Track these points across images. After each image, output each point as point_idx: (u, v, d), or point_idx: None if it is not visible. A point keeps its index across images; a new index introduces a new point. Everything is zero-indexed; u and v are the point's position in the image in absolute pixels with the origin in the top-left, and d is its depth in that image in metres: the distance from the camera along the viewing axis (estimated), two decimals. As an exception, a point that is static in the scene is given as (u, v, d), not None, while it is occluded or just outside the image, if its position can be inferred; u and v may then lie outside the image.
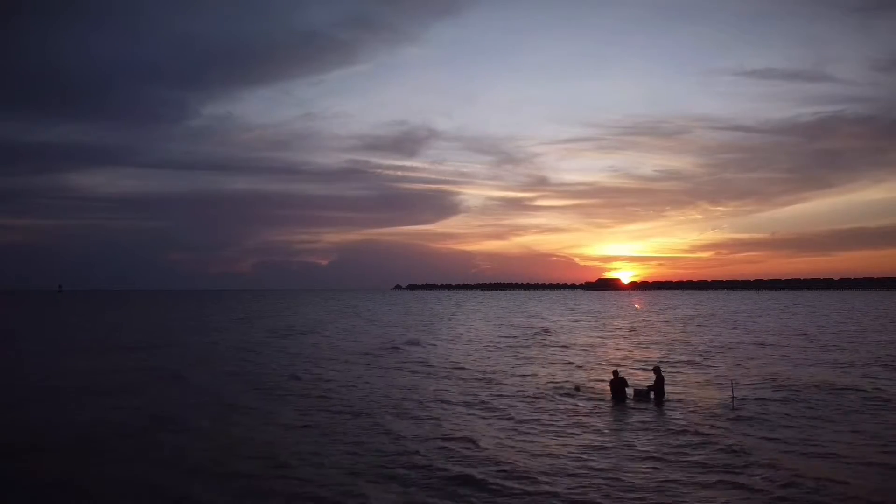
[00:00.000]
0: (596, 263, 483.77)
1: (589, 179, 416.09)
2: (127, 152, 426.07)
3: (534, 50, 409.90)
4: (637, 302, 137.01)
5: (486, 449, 14.46)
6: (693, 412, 18.37)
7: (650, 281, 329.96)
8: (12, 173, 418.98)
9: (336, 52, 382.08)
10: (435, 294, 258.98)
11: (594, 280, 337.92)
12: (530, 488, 11.77)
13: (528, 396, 21.35)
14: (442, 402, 20.57)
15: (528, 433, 16.18)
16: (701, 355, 32.42)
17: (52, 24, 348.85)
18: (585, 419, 17.86)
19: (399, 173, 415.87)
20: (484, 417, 18.18)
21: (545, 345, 39.78)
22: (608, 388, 21.08)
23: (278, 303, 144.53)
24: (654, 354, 32.81)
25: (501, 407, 19.59)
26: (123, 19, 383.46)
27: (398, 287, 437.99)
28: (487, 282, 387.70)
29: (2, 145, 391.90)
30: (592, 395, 21.26)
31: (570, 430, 16.49)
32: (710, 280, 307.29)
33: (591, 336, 46.06)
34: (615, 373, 21.13)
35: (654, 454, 14.04)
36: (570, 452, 14.32)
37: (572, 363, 30.02)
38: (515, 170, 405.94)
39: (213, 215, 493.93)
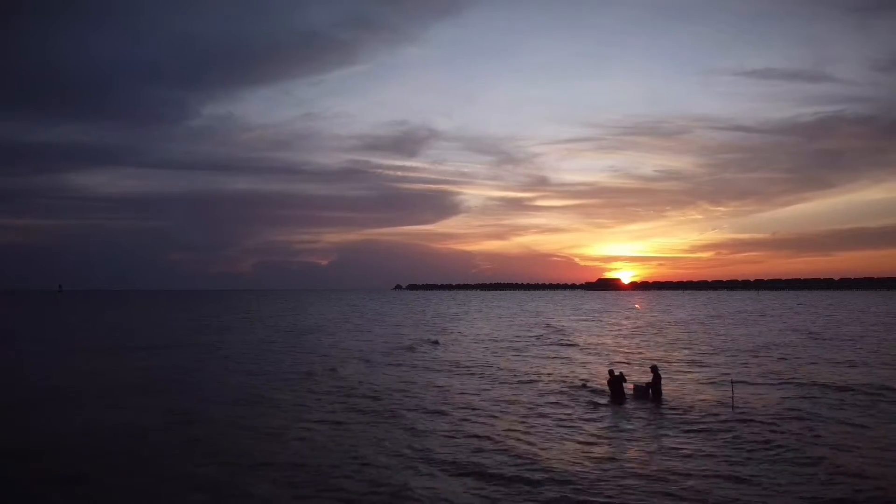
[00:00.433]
0: (596, 263, 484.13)
1: (589, 179, 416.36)
2: (127, 152, 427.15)
3: (534, 50, 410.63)
4: (637, 302, 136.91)
5: (545, 452, 14.26)
6: (692, 410, 18.53)
7: (650, 281, 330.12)
8: (12, 173, 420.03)
9: (336, 52, 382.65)
10: (436, 294, 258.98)
11: (594, 280, 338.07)
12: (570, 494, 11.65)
13: (570, 396, 21.29)
14: (490, 401, 20.46)
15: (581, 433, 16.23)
16: (736, 353, 32.46)
17: (52, 24, 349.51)
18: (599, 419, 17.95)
19: (399, 173, 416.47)
20: (530, 417, 18.08)
21: (563, 344, 39.74)
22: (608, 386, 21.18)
23: (281, 303, 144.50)
24: (678, 355, 32.39)
25: (542, 405, 19.68)
26: (123, 19, 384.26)
27: (398, 287, 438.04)
28: (488, 282, 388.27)
29: (2, 145, 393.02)
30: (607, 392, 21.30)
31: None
32: (710, 280, 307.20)
33: (612, 337, 45.25)
34: (611, 372, 21.34)
35: (653, 451, 14.23)
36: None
37: (601, 363, 29.68)
38: (515, 170, 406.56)
39: (213, 215, 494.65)
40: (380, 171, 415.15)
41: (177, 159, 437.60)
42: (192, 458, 13.95)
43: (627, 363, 29.12)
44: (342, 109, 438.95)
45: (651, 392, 20.32)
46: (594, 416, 18.24)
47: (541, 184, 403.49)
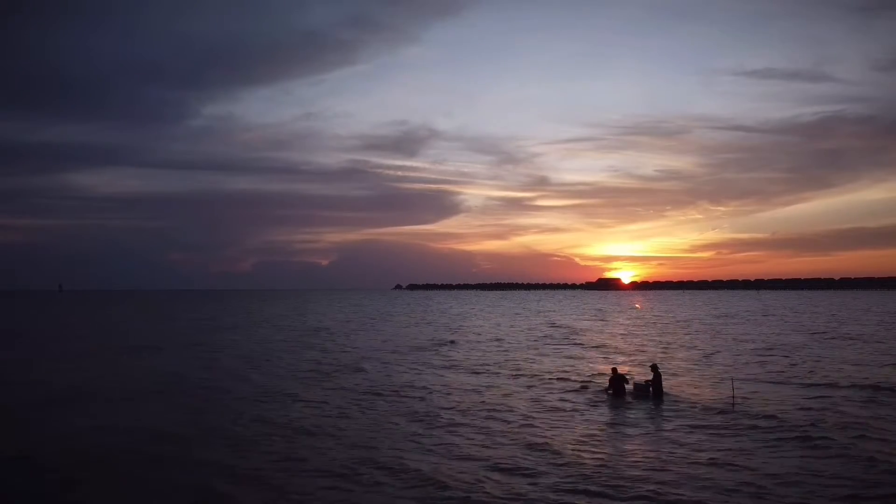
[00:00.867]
0: (596, 263, 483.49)
1: (589, 179, 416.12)
2: (127, 152, 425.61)
3: (534, 50, 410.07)
4: (638, 302, 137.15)
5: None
6: (692, 409, 18.85)
7: (650, 281, 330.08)
8: (12, 173, 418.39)
9: (337, 52, 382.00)
10: (437, 294, 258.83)
11: (595, 280, 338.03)
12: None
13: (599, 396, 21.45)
14: (527, 401, 20.50)
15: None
16: (740, 352, 32.67)
17: (52, 24, 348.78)
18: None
19: (399, 173, 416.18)
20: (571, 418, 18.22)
21: (576, 343, 39.92)
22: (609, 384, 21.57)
23: (284, 303, 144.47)
24: (688, 354, 32.49)
25: (581, 406, 19.90)
26: (123, 19, 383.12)
27: (398, 287, 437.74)
28: (488, 282, 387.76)
29: (2, 145, 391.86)
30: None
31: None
32: (710, 280, 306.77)
33: (623, 337, 45.09)
34: (614, 370, 21.70)
35: (652, 449, 14.52)
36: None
37: (620, 361, 29.82)
38: (516, 170, 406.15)
39: (213, 215, 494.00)
40: (380, 170, 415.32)
41: (177, 159, 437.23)
42: (232, 456, 14.26)
43: (643, 363, 29.13)
44: (342, 109, 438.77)
45: (651, 390, 20.68)
46: (594, 413, 18.69)
47: (541, 184, 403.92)
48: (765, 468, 12.81)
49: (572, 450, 14.44)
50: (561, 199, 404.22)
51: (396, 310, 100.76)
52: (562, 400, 20.78)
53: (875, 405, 19.12)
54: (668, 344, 38.95)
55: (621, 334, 47.37)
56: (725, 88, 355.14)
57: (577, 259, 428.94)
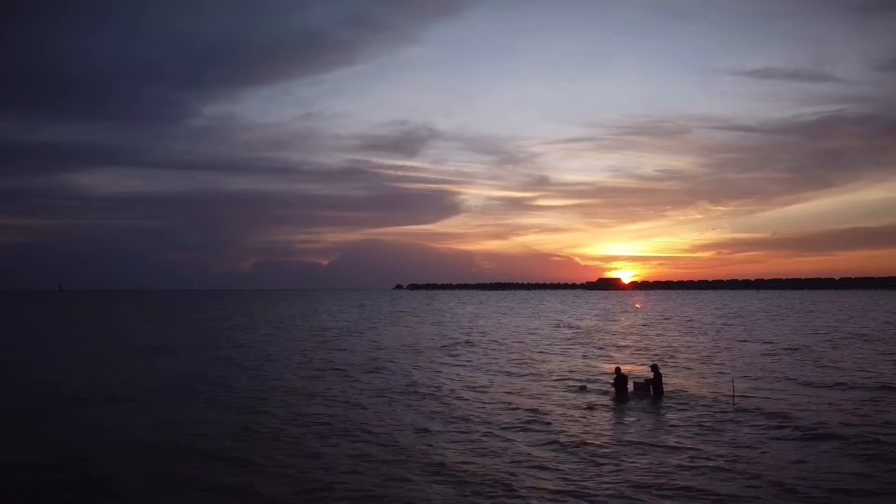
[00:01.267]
0: (596, 263, 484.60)
1: (589, 179, 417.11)
2: (128, 152, 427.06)
3: (534, 50, 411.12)
4: (638, 302, 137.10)
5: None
6: (692, 408, 18.95)
7: (651, 280, 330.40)
8: (12, 173, 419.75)
9: (337, 52, 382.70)
10: (439, 294, 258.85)
11: (595, 280, 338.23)
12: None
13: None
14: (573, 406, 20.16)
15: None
16: (743, 352, 32.65)
17: (53, 24, 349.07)
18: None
19: (400, 173, 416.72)
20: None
21: (594, 344, 39.74)
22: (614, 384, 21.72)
23: (288, 303, 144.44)
24: (723, 357, 31.26)
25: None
26: (124, 19, 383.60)
27: (399, 287, 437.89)
28: (488, 281, 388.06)
29: (2, 145, 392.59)
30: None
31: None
32: (710, 280, 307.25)
33: (638, 337, 44.88)
34: (617, 369, 21.90)
35: (650, 447, 14.65)
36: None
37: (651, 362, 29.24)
38: (516, 170, 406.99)
39: (213, 215, 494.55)
40: (380, 170, 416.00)
41: (177, 159, 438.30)
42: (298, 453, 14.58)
43: (679, 366, 28.63)
44: (342, 109, 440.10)
45: (652, 389, 20.91)
46: (596, 413, 18.78)
47: (541, 183, 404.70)
48: (764, 467, 12.87)
49: (580, 448, 14.70)
50: (561, 199, 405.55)
51: (403, 309, 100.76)
52: (565, 400, 20.84)
53: (883, 403, 19.31)
54: (691, 344, 38.79)
55: (643, 335, 46.98)
56: (725, 88, 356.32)
57: (577, 259, 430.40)
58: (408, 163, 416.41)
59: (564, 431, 16.29)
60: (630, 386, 21.35)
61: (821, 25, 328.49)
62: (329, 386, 24.11)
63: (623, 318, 70.29)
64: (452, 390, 22.96)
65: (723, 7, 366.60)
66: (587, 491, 11.69)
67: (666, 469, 12.87)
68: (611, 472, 12.82)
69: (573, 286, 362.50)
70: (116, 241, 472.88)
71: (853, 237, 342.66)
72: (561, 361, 30.88)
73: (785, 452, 13.98)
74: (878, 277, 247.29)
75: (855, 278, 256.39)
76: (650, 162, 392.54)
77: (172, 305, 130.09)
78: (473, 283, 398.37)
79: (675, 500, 11.14)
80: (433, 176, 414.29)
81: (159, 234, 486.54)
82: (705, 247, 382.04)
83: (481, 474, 12.68)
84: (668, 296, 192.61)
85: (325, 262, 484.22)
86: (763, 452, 14.02)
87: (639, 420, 17.73)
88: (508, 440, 15.57)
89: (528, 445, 15.02)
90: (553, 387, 23.46)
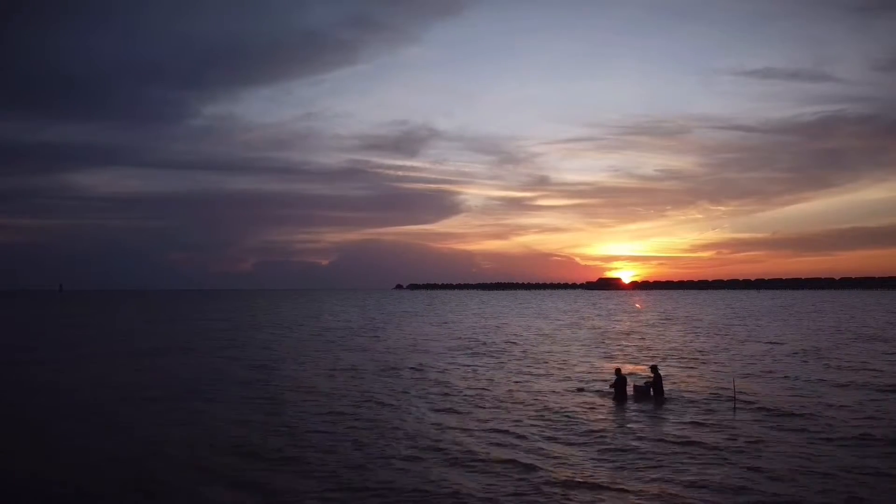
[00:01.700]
0: (597, 263, 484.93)
1: (589, 179, 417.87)
2: (128, 152, 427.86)
3: (534, 50, 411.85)
4: (638, 302, 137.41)
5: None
6: (692, 409, 19.00)
7: (651, 280, 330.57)
8: (12, 173, 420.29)
9: (337, 52, 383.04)
10: (440, 294, 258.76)
11: (595, 280, 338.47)
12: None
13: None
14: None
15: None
16: (744, 352, 32.88)
17: (53, 23, 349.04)
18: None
19: (400, 173, 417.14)
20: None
21: (616, 345, 39.13)
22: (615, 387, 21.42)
23: (292, 302, 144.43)
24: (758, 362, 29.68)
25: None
26: (124, 19, 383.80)
27: (399, 287, 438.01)
28: (488, 281, 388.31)
29: (2, 145, 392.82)
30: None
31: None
32: (710, 280, 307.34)
33: (659, 339, 43.44)
34: (618, 371, 21.67)
35: (648, 449, 14.62)
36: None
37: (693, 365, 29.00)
38: (516, 169, 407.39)
39: (213, 215, 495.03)
40: (380, 170, 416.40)
41: (177, 159, 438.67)
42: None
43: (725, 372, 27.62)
44: (343, 109, 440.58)
45: (652, 391, 20.74)
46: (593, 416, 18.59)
47: (541, 183, 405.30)
48: (762, 468, 13.01)
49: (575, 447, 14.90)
50: (561, 199, 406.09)
51: (407, 310, 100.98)
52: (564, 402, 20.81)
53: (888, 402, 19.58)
54: (704, 345, 38.53)
55: (660, 337, 46.70)
56: (725, 88, 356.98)
57: (577, 259, 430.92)
58: (408, 163, 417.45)
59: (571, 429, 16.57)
60: (630, 389, 21.08)
61: (821, 25, 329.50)
62: (353, 385, 24.39)
63: (628, 318, 70.56)
64: (490, 391, 22.77)
65: (723, 7, 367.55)
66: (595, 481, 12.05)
67: (663, 470, 12.98)
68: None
69: (573, 286, 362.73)
70: (116, 241, 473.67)
71: (853, 237, 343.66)
72: (592, 363, 30.23)
73: (785, 451, 14.13)
74: (879, 277, 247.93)
75: (855, 278, 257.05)
76: (650, 162, 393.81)
77: (175, 306, 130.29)
78: (473, 283, 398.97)
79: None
80: (433, 176, 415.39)
81: (159, 234, 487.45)
82: (705, 247, 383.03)
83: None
84: (668, 296, 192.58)
85: (325, 262, 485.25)
86: (760, 451, 14.20)
87: (637, 421, 17.66)
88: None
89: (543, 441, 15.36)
90: (569, 389, 23.41)
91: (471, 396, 21.74)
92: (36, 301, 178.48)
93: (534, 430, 16.63)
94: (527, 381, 24.97)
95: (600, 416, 18.30)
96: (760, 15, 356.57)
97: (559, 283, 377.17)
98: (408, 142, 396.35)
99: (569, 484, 12.16)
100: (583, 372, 27.35)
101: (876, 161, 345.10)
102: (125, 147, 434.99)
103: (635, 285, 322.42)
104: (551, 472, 12.94)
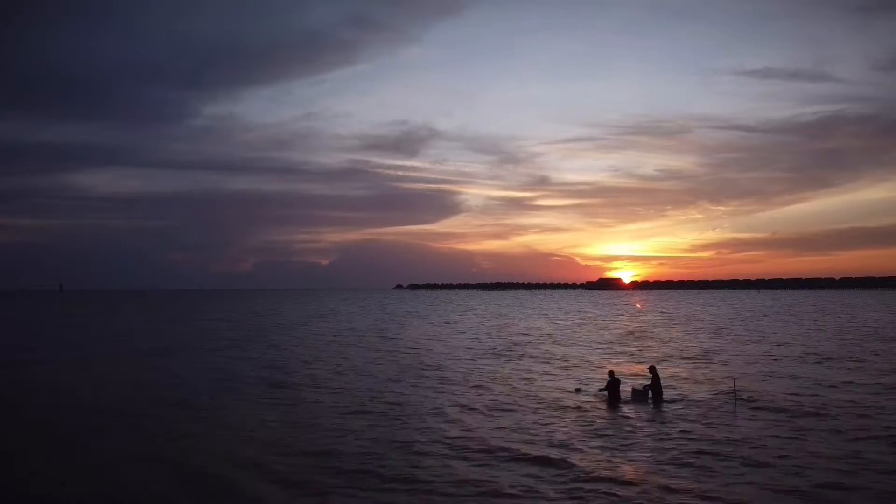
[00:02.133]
0: (597, 263, 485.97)
1: (590, 179, 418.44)
2: (128, 152, 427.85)
3: (534, 50, 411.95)
4: (639, 302, 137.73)
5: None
6: (691, 410, 18.80)
7: (651, 280, 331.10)
8: (12, 173, 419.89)
9: (337, 52, 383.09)
10: (441, 294, 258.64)
11: (595, 280, 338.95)
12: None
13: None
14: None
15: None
16: (747, 353, 33.01)
17: (53, 23, 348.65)
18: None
19: (400, 173, 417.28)
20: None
21: (635, 345, 38.75)
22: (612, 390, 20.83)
23: (297, 302, 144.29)
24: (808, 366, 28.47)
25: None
26: (124, 19, 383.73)
27: (399, 287, 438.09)
28: (488, 281, 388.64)
29: (2, 145, 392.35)
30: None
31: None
32: (710, 280, 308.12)
33: (698, 339, 42.69)
34: (611, 373, 21.11)
35: (647, 453, 14.46)
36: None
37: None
38: (516, 169, 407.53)
39: (214, 215, 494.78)
40: (380, 170, 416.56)
41: (178, 159, 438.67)
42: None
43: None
44: (343, 109, 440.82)
45: (650, 394, 20.28)
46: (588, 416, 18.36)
47: (541, 183, 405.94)
48: (761, 468, 12.98)
49: (563, 453, 14.58)
50: (561, 199, 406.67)
51: (412, 309, 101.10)
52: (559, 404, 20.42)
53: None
54: (716, 346, 38.43)
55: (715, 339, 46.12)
56: (725, 88, 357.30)
57: (577, 259, 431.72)
58: (408, 163, 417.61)
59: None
60: (626, 391, 20.65)
61: (821, 25, 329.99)
62: (376, 385, 24.43)
63: (630, 317, 70.66)
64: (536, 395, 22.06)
65: (723, 7, 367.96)
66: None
67: (660, 474, 12.78)
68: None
69: (573, 286, 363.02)
70: (116, 241, 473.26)
71: (853, 237, 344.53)
72: (600, 363, 29.99)
73: (782, 453, 14.01)
74: (879, 277, 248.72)
75: (855, 278, 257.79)
76: (650, 162, 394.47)
77: (178, 306, 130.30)
78: (474, 283, 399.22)
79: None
80: (433, 176, 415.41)
81: (159, 234, 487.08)
82: (705, 246, 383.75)
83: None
84: (668, 296, 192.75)
85: (325, 262, 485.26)
86: (754, 450, 14.24)
87: (625, 425, 17.28)
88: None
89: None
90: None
91: (501, 396, 21.69)
92: (39, 301, 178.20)
93: (546, 428, 16.71)
94: (540, 380, 25.07)
95: (594, 418, 18.04)
96: (760, 15, 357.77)
97: (559, 283, 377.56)
98: (408, 142, 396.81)
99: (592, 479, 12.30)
100: (589, 371, 27.40)
101: (876, 161, 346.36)
102: (125, 147, 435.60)
103: (635, 285, 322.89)
104: (585, 469, 13.09)
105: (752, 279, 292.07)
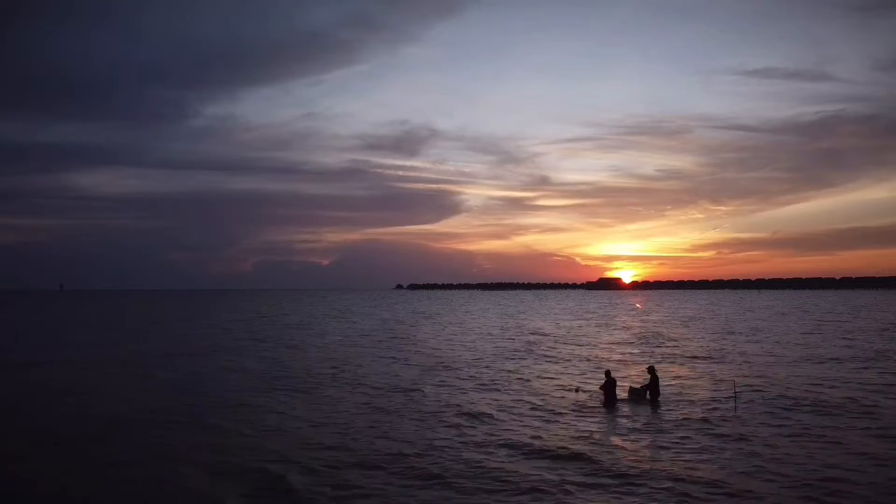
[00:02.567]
0: (597, 263, 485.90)
1: (590, 179, 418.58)
2: (128, 152, 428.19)
3: (534, 50, 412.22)
4: (639, 302, 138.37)
5: None
6: (691, 411, 18.84)
7: (651, 280, 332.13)
8: (13, 173, 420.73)
9: (337, 52, 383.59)
10: (441, 294, 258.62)
11: (595, 279, 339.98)
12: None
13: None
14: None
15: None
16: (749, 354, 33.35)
17: (53, 24, 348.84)
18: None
19: (400, 173, 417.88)
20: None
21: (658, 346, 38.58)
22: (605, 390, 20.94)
23: (299, 302, 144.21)
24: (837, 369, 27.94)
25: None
26: (125, 19, 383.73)
27: (399, 287, 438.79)
28: (489, 281, 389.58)
29: (2, 145, 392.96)
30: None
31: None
32: (711, 280, 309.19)
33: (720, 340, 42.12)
34: (608, 373, 21.25)
35: (645, 453, 14.70)
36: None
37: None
38: (516, 169, 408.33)
39: (214, 215, 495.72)
40: (380, 170, 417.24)
41: (178, 159, 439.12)
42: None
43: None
44: (343, 109, 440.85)
45: (648, 394, 20.31)
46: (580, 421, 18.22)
47: (542, 183, 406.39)
48: (759, 468, 13.26)
49: (563, 449, 15.01)
50: (562, 199, 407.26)
51: (417, 309, 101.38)
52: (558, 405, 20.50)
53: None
54: (723, 348, 38.66)
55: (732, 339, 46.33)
56: (725, 88, 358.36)
57: (577, 259, 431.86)
58: (408, 163, 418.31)
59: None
60: (623, 392, 20.67)
61: (821, 25, 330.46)
62: (406, 384, 24.95)
63: (636, 318, 71.24)
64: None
65: (723, 7, 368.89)
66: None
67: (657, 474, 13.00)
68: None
69: (574, 286, 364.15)
70: (117, 241, 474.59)
71: (854, 237, 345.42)
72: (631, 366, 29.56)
73: (781, 453, 14.25)
74: (880, 277, 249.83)
75: (856, 278, 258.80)
76: (651, 162, 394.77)
77: (185, 306, 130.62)
78: (474, 283, 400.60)
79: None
80: (433, 176, 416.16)
81: (159, 234, 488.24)
82: (706, 246, 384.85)
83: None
84: (669, 296, 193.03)
85: (325, 262, 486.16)
86: (754, 448, 14.61)
87: (622, 426, 17.49)
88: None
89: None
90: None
91: (525, 395, 22.16)
92: (39, 301, 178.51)
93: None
94: (561, 379, 25.47)
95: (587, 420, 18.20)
96: (760, 15, 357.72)
97: (560, 283, 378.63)
98: (408, 142, 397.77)
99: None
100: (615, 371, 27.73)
101: (876, 161, 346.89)
102: (125, 147, 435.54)
103: (636, 285, 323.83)
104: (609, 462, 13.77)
105: (753, 279, 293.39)
